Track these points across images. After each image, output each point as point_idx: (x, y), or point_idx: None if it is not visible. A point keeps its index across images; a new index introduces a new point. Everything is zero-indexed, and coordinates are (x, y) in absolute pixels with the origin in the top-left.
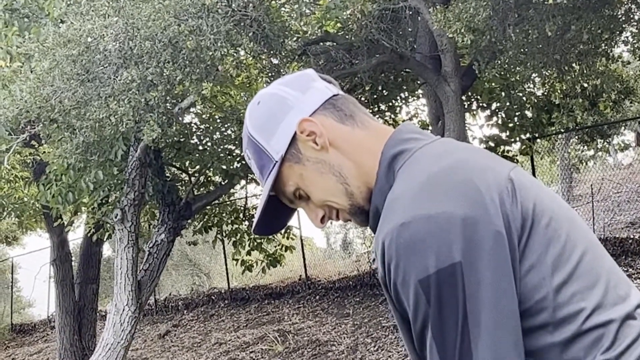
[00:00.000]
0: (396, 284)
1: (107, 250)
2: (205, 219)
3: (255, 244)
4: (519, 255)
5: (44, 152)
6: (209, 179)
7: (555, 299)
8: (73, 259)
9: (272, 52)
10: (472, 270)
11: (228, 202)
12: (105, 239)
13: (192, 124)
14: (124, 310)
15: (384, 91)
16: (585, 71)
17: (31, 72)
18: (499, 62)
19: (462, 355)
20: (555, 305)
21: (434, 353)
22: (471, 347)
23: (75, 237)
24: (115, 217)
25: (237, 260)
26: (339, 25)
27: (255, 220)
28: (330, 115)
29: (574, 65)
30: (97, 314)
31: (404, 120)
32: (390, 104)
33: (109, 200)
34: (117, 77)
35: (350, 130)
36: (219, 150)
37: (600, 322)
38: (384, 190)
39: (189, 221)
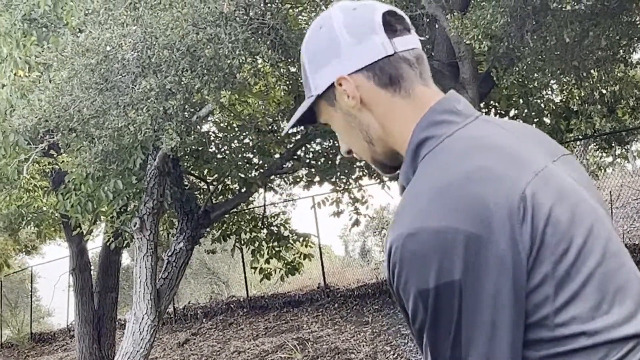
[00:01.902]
0: (398, 289)
1: (126, 259)
2: (223, 227)
3: (274, 252)
4: (527, 273)
5: (63, 161)
6: (227, 187)
7: (555, 319)
8: (92, 267)
9: (289, 60)
10: (470, 289)
11: (246, 211)
12: (123, 247)
13: (210, 133)
14: (143, 318)
15: None
16: (603, 77)
17: (50, 81)
18: (517, 68)
19: None
20: (555, 325)
21: (428, 356)
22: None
23: (94, 246)
24: (134, 226)
25: (255, 268)
26: None
27: (289, 124)
28: (373, 78)
29: (592, 71)
30: (117, 322)
31: None
32: None
33: (128, 209)
34: (135, 86)
35: (390, 96)
36: (237, 158)
37: (600, 342)
38: (408, 174)
39: (208, 229)
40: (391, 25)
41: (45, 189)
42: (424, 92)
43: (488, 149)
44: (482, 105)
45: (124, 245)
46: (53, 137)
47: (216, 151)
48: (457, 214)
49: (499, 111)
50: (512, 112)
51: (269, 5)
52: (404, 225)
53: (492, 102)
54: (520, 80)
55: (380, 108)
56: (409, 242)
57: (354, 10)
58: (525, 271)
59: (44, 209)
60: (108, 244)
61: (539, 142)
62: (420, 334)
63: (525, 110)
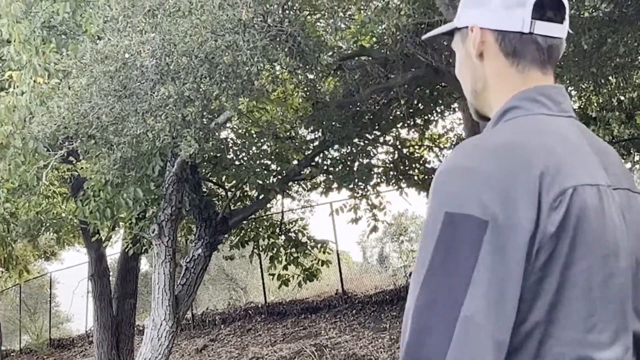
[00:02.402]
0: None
1: (144, 265)
2: (241, 234)
3: (292, 258)
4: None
5: (82, 168)
6: (246, 193)
7: (540, 346)
8: (111, 273)
9: (307, 67)
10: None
11: (264, 217)
12: (142, 254)
13: (229, 139)
14: (161, 324)
15: (420, 105)
16: (622, 84)
17: (69, 88)
18: None
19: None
20: (538, 350)
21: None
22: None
23: (113, 252)
24: (153, 232)
25: (273, 274)
26: (374, 39)
27: (429, 34)
28: (500, 43)
29: (610, 78)
30: (135, 328)
31: (439, 135)
32: (426, 117)
33: (146, 216)
34: (154, 93)
35: (507, 65)
36: (255, 165)
37: None
38: (488, 127)
39: (226, 236)
40: (544, 8)
41: (64, 195)
42: (537, 76)
43: (559, 139)
44: None
45: (143, 251)
46: (72, 144)
47: (234, 158)
48: (496, 164)
49: None
50: None
51: (287, 12)
52: (446, 161)
53: None
54: None
55: (494, 70)
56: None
57: None
58: (527, 253)
59: (63, 215)
60: (126, 250)
61: (614, 166)
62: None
63: None
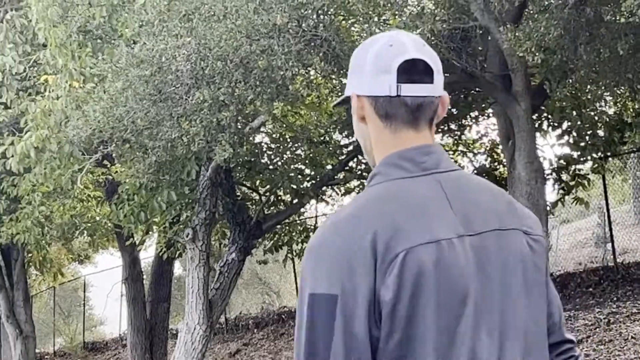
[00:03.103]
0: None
1: (178, 269)
2: (275, 238)
3: None
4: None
5: (117, 171)
6: (279, 198)
7: None
8: (144, 277)
9: (342, 71)
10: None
11: (298, 221)
12: (176, 258)
13: (263, 144)
14: (195, 328)
15: (454, 110)
16: None
17: (104, 92)
18: (570, 81)
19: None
20: None
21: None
22: None
23: (147, 255)
24: (187, 236)
25: None
26: None
27: (335, 102)
28: (374, 107)
29: None
30: (169, 332)
31: (473, 140)
32: (460, 123)
33: (181, 220)
34: (189, 97)
35: (382, 126)
36: (289, 169)
37: None
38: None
39: (260, 240)
40: (409, 72)
41: (99, 199)
42: (410, 135)
43: (401, 205)
44: (534, 117)
45: (177, 255)
46: (107, 148)
47: (268, 162)
48: (340, 237)
49: (551, 123)
50: (565, 125)
51: (321, 17)
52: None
53: (544, 114)
54: (573, 92)
55: (373, 132)
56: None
57: (389, 47)
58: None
59: (97, 218)
60: (160, 254)
61: (483, 211)
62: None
63: (579, 123)
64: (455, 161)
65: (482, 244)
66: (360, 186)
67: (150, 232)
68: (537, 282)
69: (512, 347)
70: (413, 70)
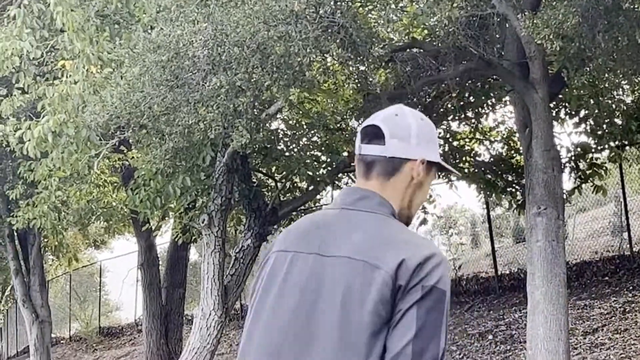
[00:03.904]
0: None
1: (193, 254)
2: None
3: None
4: None
5: (133, 157)
6: (295, 185)
7: None
8: (160, 263)
9: (359, 58)
10: None
11: (314, 208)
12: (191, 243)
13: (279, 130)
14: (210, 314)
15: (471, 98)
16: None
17: (121, 78)
18: (588, 69)
19: None
20: None
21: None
22: None
23: (163, 241)
24: (202, 222)
25: None
26: (426, 32)
27: None
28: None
29: None
30: (184, 318)
31: (490, 128)
32: (477, 110)
33: (196, 205)
34: (205, 83)
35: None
36: (306, 156)
37: None
38: None
39: (275, 227)
40: (368, 136)
41: (115, 184)
42: (361, 182)
43: (303, 225)
44: (552, 105)
45: (192, 241)
46: (124, 134)
47: (285, 149)
48: None
49: (569, 111)
50: (583, 113)
51: (339, 3)
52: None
53: (562, 102)
54: (591, 80)
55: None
56: None
57: (371, 118)
58: None
59: (114, 204)
60: (176, 239)
61: (338, 241)
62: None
63: (596, 111)
64: (472, 149)
65: (323, 263)
66: None
67: (166, 218)
68: (355, 313)
69: (298, 348)
70: (370, 135)
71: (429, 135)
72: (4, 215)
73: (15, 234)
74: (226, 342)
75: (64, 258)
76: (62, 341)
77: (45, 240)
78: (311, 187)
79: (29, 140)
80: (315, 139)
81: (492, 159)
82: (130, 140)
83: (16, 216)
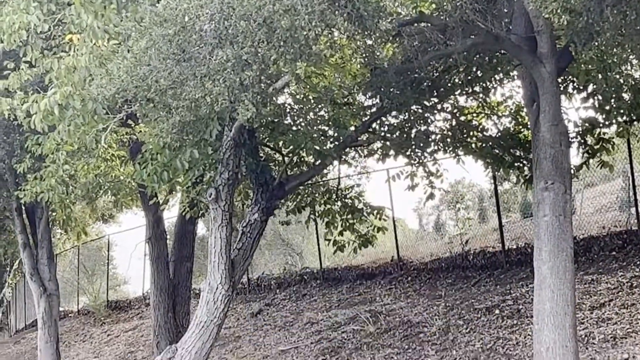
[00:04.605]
0: None
1: (201, 229)
2: (298, 199)
3: (348, 224)
4: None
5: (140, 131)
6: (302, 159)
7: None
8: (168, 237)
9: (366, 32)
10: None
11: (321, 183)
12: (199, 217)
13: (286, 104)
14: (217, 288)
15: (479, 72)
16: None
17: (128, 51)
18: (596, 43)
19: None
20: None
21: None
22: None
23: (170, 215)
24: (210, 196)
25: (329, 240)
26: (433, 6)
27: None
28: None
29: None
30: (191, 291)
31: (498, 103)
32: (485, 85)
33: (204, 180)
34: (212, 57)
35: None
36: (313, 130)
37: None
38: None
39: (282, 201)
40: None
41: (123, 158)
42: None
43: None
44: (559, 80)
45: (200, 215)
46: (131, 107)
47: (291, 123)
48: None
49: (577, 86)
50: (590, 88)
51: None
52: None
53: (570, 76)
54: (599, 55)
55: None
56: None
57: None
58: None
59: (121, 178)
60: (183, 213)
61: None
62: None
63: (604, 86)
64: (479, 124)
65: None
66: (383, 147)
67: (173, 192)
68: None
69: None
70: None
71: None
72: (11, 188)
73: (23, 207)
74: (233, 315)
75: (72, 232)
76: (70, 315)
77: (53, 214)
78: (318, 162)
79: (36, 113)
80: (322, 113)
81: (499, 134)
82: (138, 114)
83: (24, 190)
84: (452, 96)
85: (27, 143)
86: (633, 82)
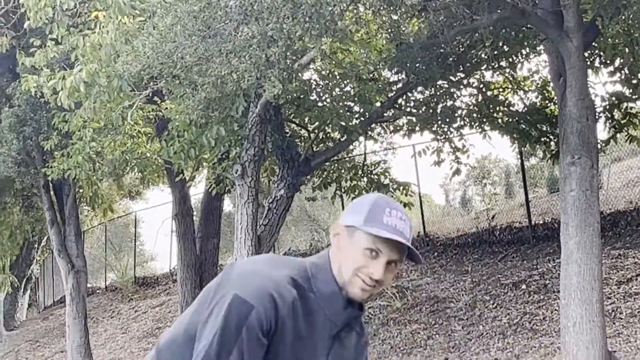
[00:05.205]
0: None
1: (227, 205)
2: (324, 175)
3: None
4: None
5: (167, 108)
6: (328, 135)
7: None
8: (194, 213)
9: (391, 7)
10: None
11: (347, 159)
12: (225, 194)
13: (312, 80)
14: None
15: (505, 47)
16: None
17: (154, 28)
18: (623, 17)
19: None
20: None
21: None
22: None
23: (197, 192)
24: (236, 173)
25: None
26: None
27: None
28: None
29: None
30: (218, 268)
31: (524, 78)
32: (511, 60)
33: (230, 156)
34: (237, 33)
35: None
36: (338, 106)
37: None
38: None
39: (308, 177)
40: None
41: (149, 135)
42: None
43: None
44: (586, 54)
45: (226, 191)
46: (157, 84)
47: (317, 99)
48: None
49: (603, 60)
50: (617, 62)
51: None
52: None
53: (596, 51)
54: (626, 29)
55: None
56: None
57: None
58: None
59: (148, 155)
60: (210, 190)
61: None
62: None
63: (631, 60)
64: (505, 99)
65: None
66: (409, 123)
67: (199, 169)
68: None
69: None
70: None
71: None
72: (39, 166)
73: (51, 184)
74: None
75: (99, 209)
76: (98, 291)
77: (80, 190)
78: (344, 138)
79: (62, 90)
80: (348, 89)
81: (526, 109)
82: (163, 91)
83: (51, 167)
84: (478, 71)
85: (54, 120)
86: None
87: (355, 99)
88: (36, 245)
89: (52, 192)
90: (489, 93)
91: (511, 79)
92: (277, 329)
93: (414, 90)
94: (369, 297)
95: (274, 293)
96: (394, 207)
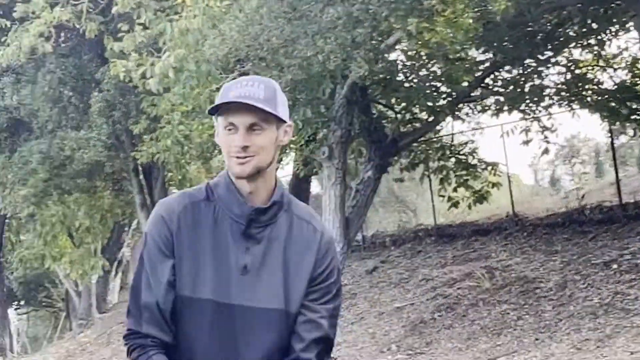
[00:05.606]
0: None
1: (315, 187)
2: (411, 156)
3: (462, 180)
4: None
5: None
6: (415, 115)
7: None
8: None
9: None
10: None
11: (434, 139)
12: (313, 175)
13: (398, 61)
14: None
15: (593, 25)
16: None
17: (240, 11)
18: None
19: None
20: None
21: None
22: None
23: (284, 174)
24: (323, 154)
25: (443, 196)
26: None
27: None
28: None
29: None
30: None
31: (613, 55)
32: (600, 37)
33: (317, 138)
34: (323, 14)
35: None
36: (425, 87)
37: None
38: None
39: (396, 158)
40: None
41: None
42: None
43: None
44: None
45: (313, 173)
46: (243, 67)
47: (404, 80)
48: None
49: None
50: None
51: None
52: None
53: None
54: None
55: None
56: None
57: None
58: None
59: None
60: (297, 172)
61: None
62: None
63: None
64: (594, 77)
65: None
66: (497, 102)
67: (287, 151)
68: None
69: None
70: None
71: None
72: (128, 149)
73: (140, 168)
74: (348, 272)
75: None
76: None
77: (169, 174)
78: (431, 118)
79: (152, 76)
80: (434, 69)
81: (615, 87)
82: (250, 74)
83: (140, 150)
84: (566, 49)
85: (142, 104)
86: None
87: (442, 79)
88: (127, 229)
89: (141, 176)
90: (577, 71)
91: (600, 56)
92: (174, 239)
93: (501, 69)
94: (253, 170)
95: (163, 214)
96: (243, 79)
